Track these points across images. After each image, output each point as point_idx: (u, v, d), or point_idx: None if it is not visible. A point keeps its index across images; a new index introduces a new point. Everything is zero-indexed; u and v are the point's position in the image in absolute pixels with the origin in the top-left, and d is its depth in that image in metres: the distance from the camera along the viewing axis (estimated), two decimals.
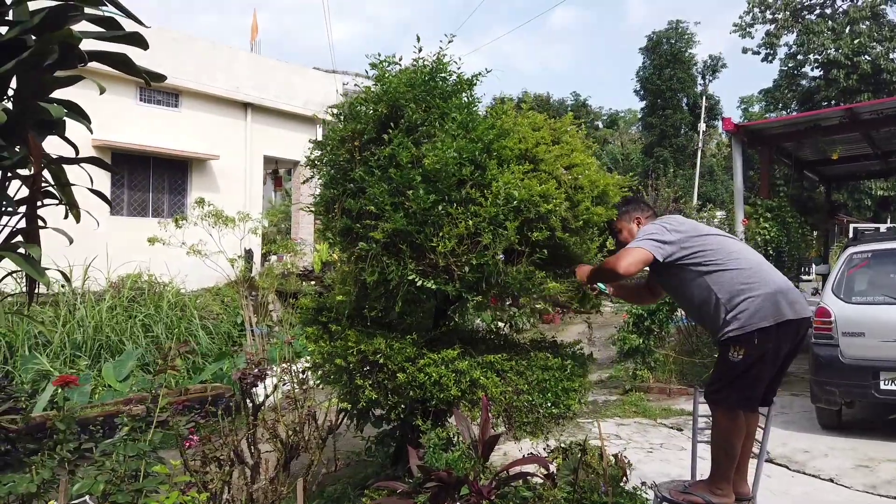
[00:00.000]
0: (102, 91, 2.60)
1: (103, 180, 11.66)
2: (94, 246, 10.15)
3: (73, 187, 2.70)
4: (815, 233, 8.92)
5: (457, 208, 3.00)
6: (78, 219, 2.95)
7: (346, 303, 3.49)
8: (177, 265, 10.51)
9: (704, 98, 30.56)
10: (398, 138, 3.10)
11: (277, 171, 16.48)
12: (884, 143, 7.47)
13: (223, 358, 8.71)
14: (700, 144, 29.12)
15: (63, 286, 9.81)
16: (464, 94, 3.37)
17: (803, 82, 29.36)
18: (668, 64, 30.85)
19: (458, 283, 3.00)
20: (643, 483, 3.35)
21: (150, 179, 12.32)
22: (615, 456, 3.65)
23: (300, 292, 10.33)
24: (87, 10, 2.65)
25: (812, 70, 28.61)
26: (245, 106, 13.53)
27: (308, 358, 4.04)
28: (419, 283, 3.02)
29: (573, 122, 3.52)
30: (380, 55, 3.47)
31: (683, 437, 5.96)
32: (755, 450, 3.21)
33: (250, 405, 3.25)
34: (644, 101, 32.56)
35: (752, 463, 3.25)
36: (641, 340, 7.54)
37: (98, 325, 9.14)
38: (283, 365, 3.90)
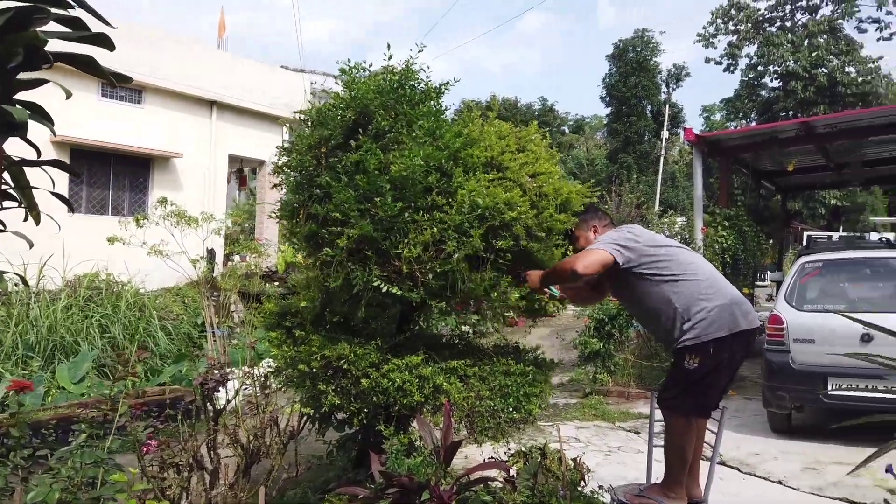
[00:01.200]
0: (69, 96, 2.55)
1: (61, 178, 11.39)
2: (51, 244, 9.89)
3: (34, 189, 2.65)
4: (770, 241, 9.17)
5: (423, 215, 3.03)
6: (38, 221, 2.89)
7: (310, 308, 3.49)
8: (136, 264, 10.31)
9: (668, 106, 31.15)
10: (366, 144, 3.11)
11: (242, 170, 16.29)
12: (837, 156, 7.75)
13: (182, 360, 8.57)
14: (663, 151, 29.67)
15: (17, 285, 9.54)
16: (432, 102, 3.40)
17: (763, 93, 30.12)
18: (633, 72, 31.37)
19: (423, 289, 3.03)
20: (600, 486, 3.42)
21: (111, 177, 12.06)
22: (574, 460, 3.72)
23: (263, 293, 10.23)
24: (54, 11, 2.62)
25: (771, 81, 29.38)
26: (210, 104, 13.36)
27: (270, 361, 4.02)
28: (384, 289, 3.04)
29: (538, 130, 3.57)
30: (349, 61, 3.49)
31: (640, 440, 6.08)
32: (707, 453, 3.30)
33: (211, 410, 3.23)
34: (609, 108, 33.04)
35: (704, 466, 3.35)
36: (602, 344, 7.67)
37: (52, 325, 8.91)
38: (245, 368, 3.87)
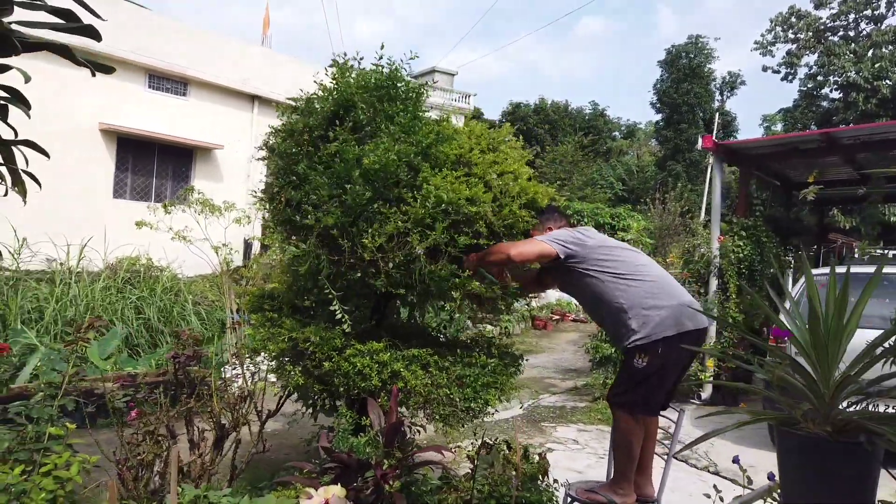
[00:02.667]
0: (27, 80, 2.75)
1: (107, 164, 11.97)
2: (94, 227, 10.44)
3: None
4: (798, 253, 8.94)
5: (390, 207, 3.16)
6: (24, 197, 3.13)
7: (285, 292, 3.66)
8: (175, 251, 10.74)
9: (718, 115, 30.46)
10: (343, 135, 3.27)
11: None
12: (863, 169, 7.52)
13: (208, 343, 8.93)
14: (711, 160, 28.97)
15: (61, 265, 10.10)
16: (413, 102, 3.52)
17: (823, 104, 29.19)
18: (685, 78, 30.82)
19: (385, 278, 3.16)
20: (555, 480, 3.49)
21: (155, 165, 12.60)
22: (540, 455, 3.79)
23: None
24: (45, 3, 2.85)
25: (831, 91, 28.45)
26: (252, 98, 13.80)
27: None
28: (349, 276, 3.19)
29: (511, 131, 3.67)
30: (345, 54, 3.65)
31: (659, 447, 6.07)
32: (661, 452, 3.33)
33: (186, 384, 3.42)
34: (660, 114, 32.52)
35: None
36: (613, 350, 7.64)
37: (90, 304, 9.39)
38: (234, 350, 4.07)
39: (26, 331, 8.20)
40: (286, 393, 3.80)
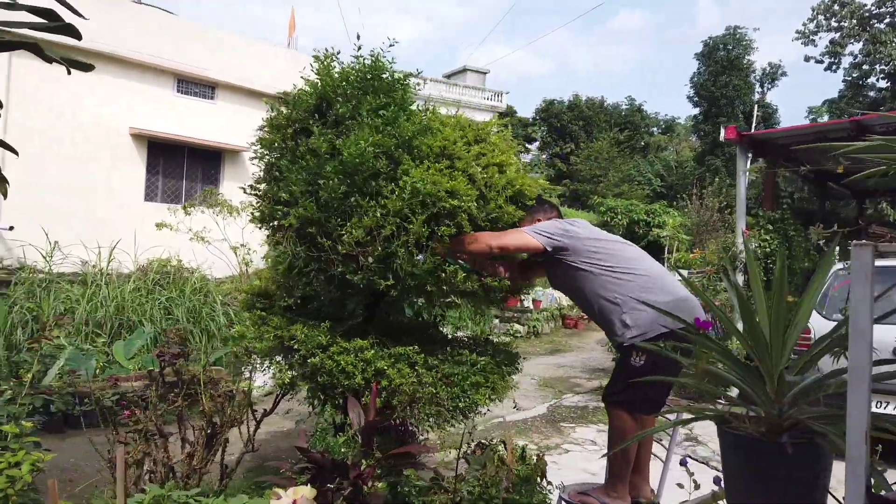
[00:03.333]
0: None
1: (138, 168, 12.21)
2: (126, 230, 10.66)
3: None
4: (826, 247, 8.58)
5: (368, 201, 3.09)
6: (5, 195, 3.16)
7: (276, 290, 3.63)
8: (203, 253, 10.92)
9: (757, 107, 29.63)
10: (318, 129, 3.22)
11: None
12: None
13: (235, 342, 9.02)
14: (750, 154, 28.19)
15: (93, 266, 10.34)
16: (396, 93, 3.45)
17: (870, 93, 28.16)
18: (723, 70, 30.07)
19: (365, 273, 3.09)
20: (549, 482, 3.37)
21: (185, 168, 12.82)
22: (538, 456, 3.67)
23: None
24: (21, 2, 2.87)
25: (878, 80, 27.42)
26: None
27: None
28: (331, 272, 3.13)
29: (499, 122, 3.56)
30: (328, 49, 3.61)
31: (659, 447, 5.88)
32: (659, 454, 3.19)
33: (179, 382, 3.42)
34: (698, 108, 31.81)
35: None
36: None
37: (120, 304, 9.59)
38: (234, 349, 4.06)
39: (56, 332, 8.41)
40: (281, 392, 3.77)
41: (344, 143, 3.12)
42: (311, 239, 3.14)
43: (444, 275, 3.11)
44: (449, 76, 33.12)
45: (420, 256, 2.97)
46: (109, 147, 11.62)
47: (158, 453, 3.35)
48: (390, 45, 3.51)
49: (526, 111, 46.35)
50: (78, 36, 3.14)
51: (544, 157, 37.19)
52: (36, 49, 2.81)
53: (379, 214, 3.03)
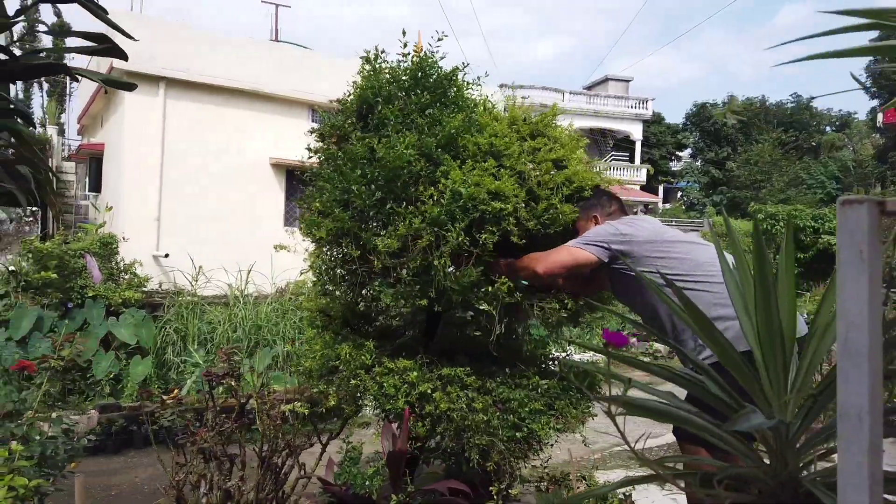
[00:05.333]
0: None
1: (278, 195, 12.91)
2: (266, 254, 11.24)
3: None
4: None
5: (406, 207, 2.82)
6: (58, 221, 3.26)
7: (335, 307, 3.46)
8: None
9: None
10: (356, 134, 3.01)
11: None
12: None
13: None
14: None
15: (235, 289, 10.98)
16: (441, 90, 3.17)
17: None
18: None
19: (401, 287, 2.81)
20: None
21: None
22: (624, 495, 3.17)
23: None
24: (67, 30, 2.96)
25: None
26: None
27: None
28: (372, 288, 2.89)
29: (558, 113, 3.13)
30: (377, 48, 3.42)
31: None
32: None
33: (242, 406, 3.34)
34: (876, 99, 28.30)
35: None
36: None
37: (255, 324, 10.09)
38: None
39: (192, 352, 8.99)
40: (345, 417, 3.58)
41: (382, 147, 2.89)
42: (344, 251, 2.92)
43: (489, 289, 2.76)
44: (590, 87, 32.19)
45: (451, 269, 2.64)
46: (252, 177, 12.39)
47: (214, 476, 3.28)
48: (438, 40, 3.24)
49: (676, 117, 43.99)
50: (124, 57, 3.16)
51: (698, 163, 34.90)
52: (66, 69, 2.86)
53: (418, 222, 2.75)
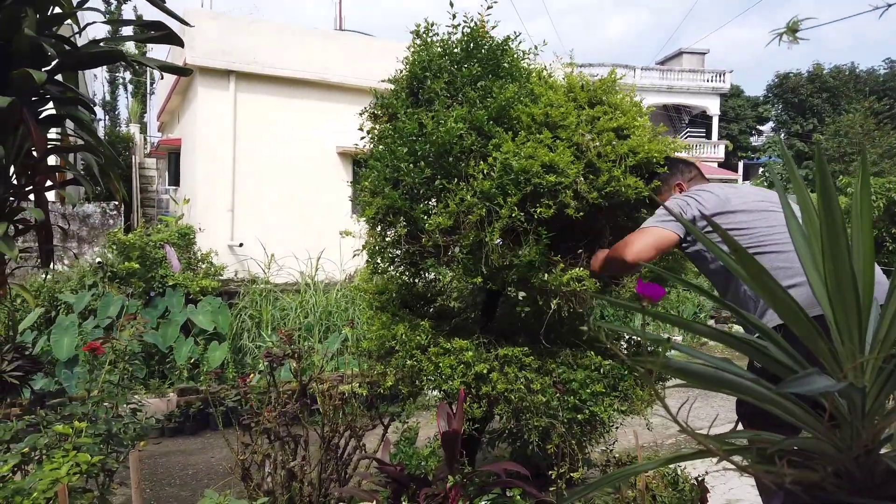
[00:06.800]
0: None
1: (345, 184, 13.06)
2: (335, 241, 11.43)
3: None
4: None
5: (457, 183, 2.74)
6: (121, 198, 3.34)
7: (392, 287, 3.43)
8: None
9: None
10: (405, 111, 2.95)
11: None
12: None
13: None
14: None
15: (307, 276, 11.21)
16: (492, 61, 3.06)
17: None
18: None
19: (456, 266, 2.74)
20: None
21: None
22: (697, 480, 3.01)
23: None
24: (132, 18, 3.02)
25: None
26: None
27: None
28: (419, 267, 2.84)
29: (617, 78, 2.95)
30: (427, 20, 3.33)
31: None
32: None
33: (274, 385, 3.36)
34: None
35: None
36: None
37: (325, 310, 10.28)
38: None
39: (266, 337, 9.23)
40: (403, 398, 3.55)
41: (430, 122, 2.81)
42: (396, 230, 2.87)
43: (546, 276, 2.64)
44: (662, 62, 31.05)
45: (498, 241, 2.54)
46: (319, 166, 12.58)
47: (278, 456, 3.32)
48: (488, 8, 3.13)
49: (757, 90, 41.90)
50: (180, 43, 3.21)
51: (782, 136, 33.16)
52: (122, 57, 2.90)
53: (469, 197, 2.66)
